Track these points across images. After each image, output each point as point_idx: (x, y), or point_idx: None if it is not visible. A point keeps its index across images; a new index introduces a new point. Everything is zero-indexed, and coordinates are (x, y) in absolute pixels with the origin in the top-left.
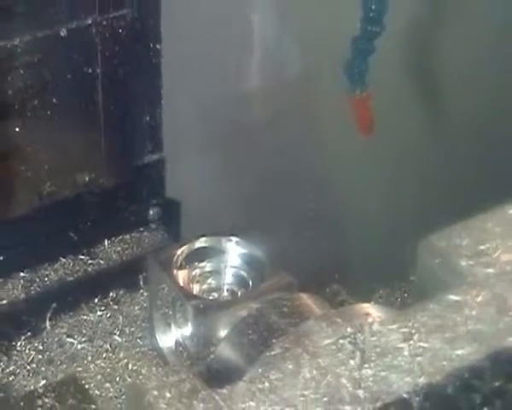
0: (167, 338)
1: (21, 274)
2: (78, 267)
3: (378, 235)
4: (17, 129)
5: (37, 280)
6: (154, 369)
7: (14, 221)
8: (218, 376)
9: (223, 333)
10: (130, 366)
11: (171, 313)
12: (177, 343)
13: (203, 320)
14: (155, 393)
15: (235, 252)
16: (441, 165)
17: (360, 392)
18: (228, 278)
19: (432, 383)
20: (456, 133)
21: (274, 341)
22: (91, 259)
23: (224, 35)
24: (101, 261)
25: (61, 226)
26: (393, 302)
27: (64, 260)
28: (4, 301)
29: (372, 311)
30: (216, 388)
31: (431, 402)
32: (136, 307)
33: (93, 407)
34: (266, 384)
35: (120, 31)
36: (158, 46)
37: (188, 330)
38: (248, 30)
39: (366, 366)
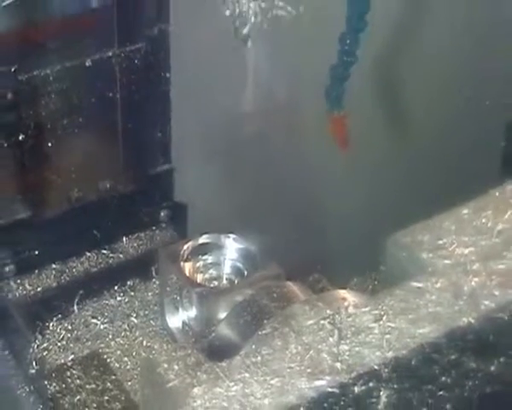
0: (175, 319)
1: (53, 266)
2: (100, 260)
3: (353, 232)
4: (49, 144)
5: (67, 271)
6: (164, 345)
7: (47, 221)
8: (218, 351)
9: (222, 315)
10: (144, 343)
11: (178, 298)
12: (184, 324)
13: (205, 304)
14: (165, 366)
15: (232, 247)
16: (406, 174)
17: (338, 364)
18: (226, 269)
19: (398, 357)
20: (419, 148)
21: (265, 321)
22: (112, 253)
23: (224, 65)
24: (120, 255)
25: (87, 226)
26: (366, 289)
27: (89, 254)
28: (39, 289)
29: (348, 296)
30: (216, 361)
31: (398, 373)
32: (150, 294)
33: (113, 377)
34: (259, 358)
35: (136, 62)
36: (167, 75)
37: (192, 312)
38: (244, 61)
39: (343, 342)
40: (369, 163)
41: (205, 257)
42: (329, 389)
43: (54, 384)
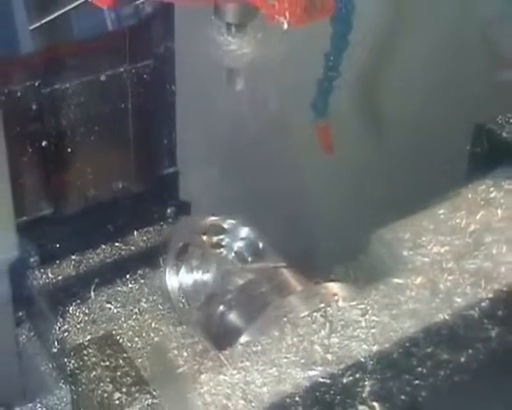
0: (174, 282)
1: (72, 257)
2: (114, 252)
3: (340, 229)
4: (69, 149)
5: (84, 261)
6: (172, 329)
7: (67, 218)
8: (220, 328)
9: (228, 286)
10: (153, 325)
11: (180, 264)
12: (180, 287)
13: (221, 269)
14: (175, 352)
15: (239, 235)
16: (384, 175)
17: (329, 356)
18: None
19: (382, 350)
20: (396, 151)
21: (265, 304)
22: (124, 245)
23: (223, 79)
24: (132, 247)
25: (102, 221)
26: (348, 276)
27: (104, 246)
28: (60, 277)
29: (338, 290)
30: (220, 339)
31: (381, 364)
32: (158, 281)
33: (125, 355)
34: (259, 348)
35: (145, 76)
36: (173, 87)
37: (190, 279)
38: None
39: (333, 335)
40: (351, 166)
41: (220, 237)
42: (321, 380)
43: (72, 361)
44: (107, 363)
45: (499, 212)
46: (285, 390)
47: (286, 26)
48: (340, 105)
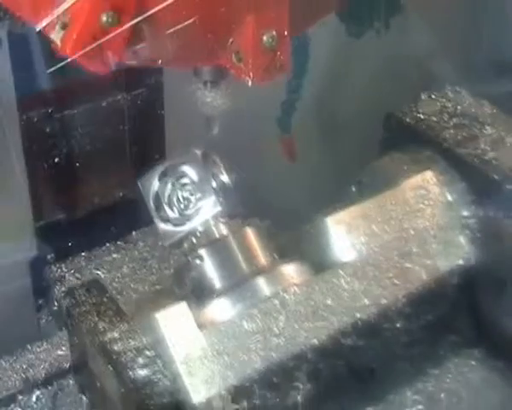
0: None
1: (82, 254)
2: (116, 249)
3: (290, 205)
4: (77, 164)
5: (92, 258)
6: (146, 288)
7: (76, 221)
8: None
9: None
10: (131, 286)
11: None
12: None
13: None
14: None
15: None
16: (333, 172)
17: (281, 343)
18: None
19: (320, 343)
20: (344, 158)
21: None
22: (125, 243)
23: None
24: (131, 244)
25: (106, 224)
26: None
27: (108, 244)
28: (72, 271)
29: (295, 272)
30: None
31: (316, 353)
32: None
33: (107, 294)
34: (233, 332)
35: (139, 102)
36: (162, 112)
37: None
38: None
39: (286, 325)
40: (307, 167)
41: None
42: (273, 367)
43: (67, 300)
44: (94, 300)
45: (428, 210)
46: (246, 376)
47: (250, 83)
48: (301, 122)
